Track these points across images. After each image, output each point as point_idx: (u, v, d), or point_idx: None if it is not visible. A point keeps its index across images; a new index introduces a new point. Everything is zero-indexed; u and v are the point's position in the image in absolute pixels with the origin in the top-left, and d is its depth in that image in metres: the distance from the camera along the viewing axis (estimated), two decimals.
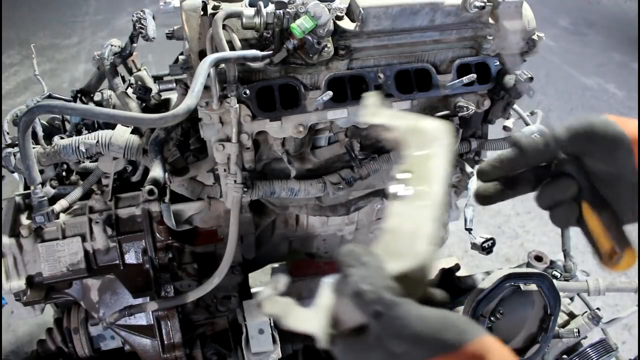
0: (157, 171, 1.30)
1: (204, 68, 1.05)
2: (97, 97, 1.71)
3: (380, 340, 0.57)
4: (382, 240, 0.68)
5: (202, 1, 1.22)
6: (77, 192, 1.52)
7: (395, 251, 0.65)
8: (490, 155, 1.67)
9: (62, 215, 1.53)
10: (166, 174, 1.34)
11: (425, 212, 0.67)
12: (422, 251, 0.64)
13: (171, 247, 1.57)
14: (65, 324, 1.66)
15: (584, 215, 0.74)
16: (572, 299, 1.69)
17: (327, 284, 0.65)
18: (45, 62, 5.86)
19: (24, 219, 1.52)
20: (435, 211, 0.66)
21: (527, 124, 1.65)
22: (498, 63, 1.35)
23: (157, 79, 1.73)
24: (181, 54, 1.37)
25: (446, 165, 0.70)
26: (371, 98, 0.84)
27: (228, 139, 1.26)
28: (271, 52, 1.16)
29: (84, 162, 1.60)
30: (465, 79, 1.29)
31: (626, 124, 0.67)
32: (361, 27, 1.22)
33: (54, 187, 1.61)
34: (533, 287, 1.37)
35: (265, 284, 0.73)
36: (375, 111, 0.82)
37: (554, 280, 1.43)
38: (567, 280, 1.66)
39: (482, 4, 1.25)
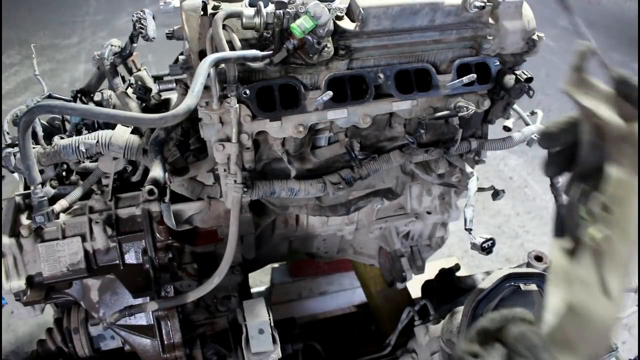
0: (157, 171, 1.30)
1: (204, 68, 1.05)
2: (97, 97, 1.71)
3: None
4: (559, 319, 0.54)
5: (202, 1, 1.22)
6: (77, 192, 1.52)
7: (572, 341, 0.52)
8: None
9: (62, 215, 1.53)
10: (166, 174, 1.33)
11: (615, 285, 0.52)
12: (601, 345, 0.52)
13: (171, 247, 1.57)
14: (65, 324, 1.66)
15: None
16: None
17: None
18: (45, 62, 5.87)
19: (24, 219, 1.52)
20: (625, 285, 0.53)
21: (527, 124, 1.65)
22: (498, 63, 1.35)
23: (157, 79, 1.73)
24: (181, 54, 1.37)
25: None
26: (581, 53, 0.61)
27: (228, 139, 1.26)
28: (271, 52, 1.16)
29: (84, 162, 1.60)
30: (465, 79, 1.28)
31: None
32: (361, 27, 1.22)
33: (54, 187, 1.61)
34: (533, 287, 1.37)
35: None
36: (582, 82, 0.60)
37: None
38: None
39: (482, 4, 1.25)
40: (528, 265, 1.63)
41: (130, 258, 1.56)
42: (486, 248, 1.34)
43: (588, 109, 0.59)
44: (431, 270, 1.97)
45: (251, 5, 1.21)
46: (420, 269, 1.97)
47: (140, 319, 1.56)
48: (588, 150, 0.59)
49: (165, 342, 1.54)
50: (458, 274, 1.86)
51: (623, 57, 6.20)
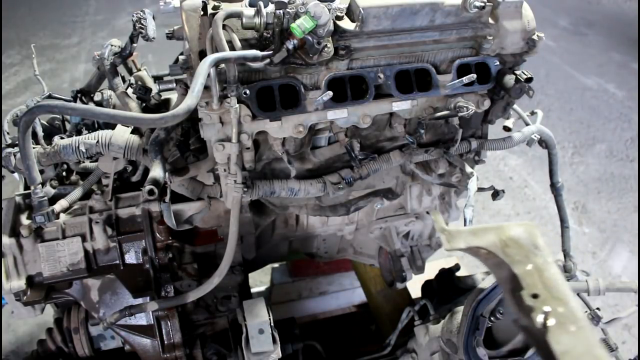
0: (157, 171, 1.30)
1: (204, 68, 1.05)
2: (97, 97, 1.71)
3: None
4: None
5: (202, 1, 1.22)
6: (77, 192, 1.52)
7: None
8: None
9: (62, 215, 1.53)
10: (166, 174, 1.33)
11: (586, 337, 0.65)
12: None
13: (171, 247, 1.57)
14: (65, 324, 1.66)
15: None
16: None
17: None
18: (45, 62, 5.87)
19: (24, 219, 1.52)
20: (592, 330, 0.67)
21: (527, 124, 1.65)
22: (498, 63, 1.35)
23: (157, 79, 1.73)
24: (181, 54, 1.37)
25: (560, 270, 0.70)
26: (439, 222, 0.83)
27: (228, 139, 1.26)
28: (271, 52, 1.16)
29: (84, 162, 1.60)
30: (465, 79, 1.29)
31: None
32: (361, 27, 1.22)
33: (54, 187, 1.61)
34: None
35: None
36: (452, 235, 0.79)
37: None
38: (567, 280, 1.66)
39: (482, 4, 1.25)
40: None
41: (130, 258, 1.56)
42: None
43: (472, 248, 0.77)
44: (431, 270, 1.97)
45: (251, 5, 1.21)
46: (420, 269, 1.97)
47: (140, 319, 1.56)
48: (498, 272, 0.76)
49: (165, 342, 1.54)
50: (458, 274, 1.86)
51: (623, 57, 6.21)
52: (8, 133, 1.62)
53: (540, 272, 0.71)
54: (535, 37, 1.34)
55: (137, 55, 1.66)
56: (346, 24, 1.22)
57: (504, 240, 0.74)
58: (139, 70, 1.71)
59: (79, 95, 1.73)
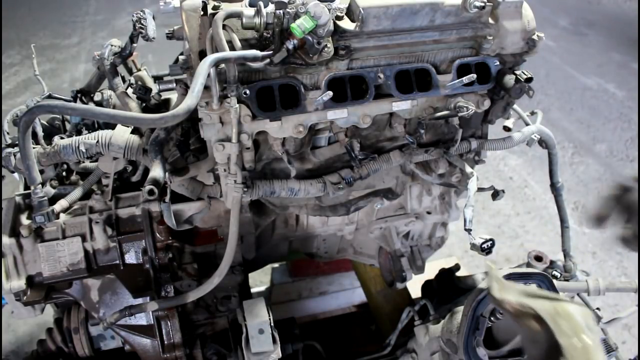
0: (157, 171, 1.30)
1: (204, 68, 1.05)
2: (97, 97, 1.71)
3: None
4: None
5: (202, 1, 1.22)
6: (77, 192, 1.52)
7: None
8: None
9: (62, 215, 1.53)
10: (166, 174, 1.33)
11: None
12: None
13: (171, 247, 1.57)
14: (65, 324, 1.66)
15: None
16: (572, 298, 1.70)
17: None
18: (45, 62, 5.87)
19: (24, 219, 1.52)
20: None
21: (527, 124, 1.65)
22: (498, 63, 1.35)
23: (157, 79, 1.73)
24: (181, 54, 1.37)
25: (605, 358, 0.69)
26: (494, 271, 0.82)
27: (228, 139, 1.26)
28: (271, 52, 1.16)
29: (84, 162, 1.60)
30: (465, 79, 1.29)
31: None
32: (361, 27, 1.22)
33: (54, 187, 1.61)
34: (533, 287, 1.37)
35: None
36: (504, 286, 0.78)
37: (554, 280, 1.43)
38: (567, 280, 1.66)
39: (482, 4, 1.25)
40: (528, 265, 1.63)
41: (130, 258, 1.56)
42: (486, 249, 1.34)
43: (519, 306, 0.74)
44: (431, 270, 1.97)
45: (251, 5, 1.21)
46: (420, 269, 1.97)
47: (140, 319, 1.56)
48: (531, 346, 0.74)
49: (165, 342, 1.54)
50: (458, 274, 1.86)
51: (623, 57, 6.21)
52: (8, 133, 1.62)
53: (587, 352, 0.69)
54: (535, 37, 1.34)
55: (137, 55, 1.66)
56: (346, 24, 1.22)
57: (557, 310, 0.73)
58: (139, 70, 1.71)
59: (79, 95, 1.73)
